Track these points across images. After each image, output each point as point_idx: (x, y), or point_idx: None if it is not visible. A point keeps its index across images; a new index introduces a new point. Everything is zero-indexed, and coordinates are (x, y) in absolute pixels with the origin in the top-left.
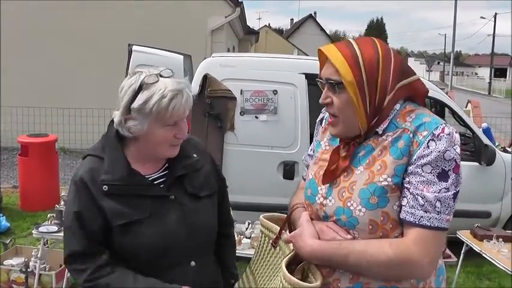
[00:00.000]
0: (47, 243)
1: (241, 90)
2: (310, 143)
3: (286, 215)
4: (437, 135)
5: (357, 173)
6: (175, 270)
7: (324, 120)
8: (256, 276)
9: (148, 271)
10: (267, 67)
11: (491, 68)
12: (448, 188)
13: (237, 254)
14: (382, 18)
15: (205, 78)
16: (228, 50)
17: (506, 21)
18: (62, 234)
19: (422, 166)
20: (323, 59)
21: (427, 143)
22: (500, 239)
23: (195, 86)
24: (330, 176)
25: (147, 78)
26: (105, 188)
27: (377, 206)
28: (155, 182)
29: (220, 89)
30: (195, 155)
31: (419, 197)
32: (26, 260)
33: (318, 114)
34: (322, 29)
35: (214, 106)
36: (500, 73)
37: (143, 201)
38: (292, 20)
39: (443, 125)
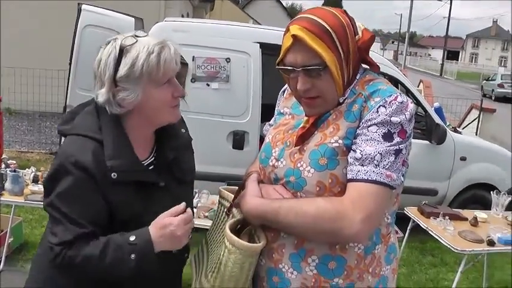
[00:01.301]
0: None
1: (194, 56)
2: (262, 113)
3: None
4: (389, 102)
5: (311, 136)
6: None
7: (286, 91)
8: (209, 245)
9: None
10: (221, 34)
11: (445, 50)
12: (390, 146)
13: None
14: None
15: None
16: (182, 17)
17: (461, 4)
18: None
19: (368, 127)
20: (288, 45)
21: (377, 108)
22: (447, 217)
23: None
24: (302, 138)
25: (125, 40)
26: (114, 175)
27: (326, 168)
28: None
29: None
30: (182, 130)
31: (358, 151)
32: None
33: (272, 83)
34: (278, 1)
35: None
36: (452, 55)
37: (142, 190)
38: None
39: (398, 94)
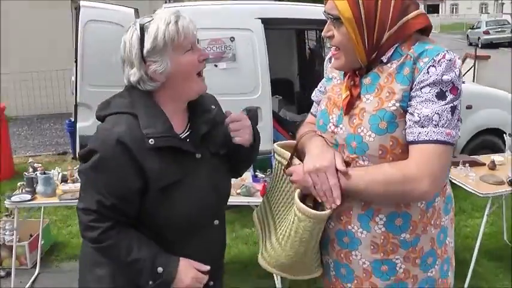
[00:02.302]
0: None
1: (198, 39)
2: (274, 88)
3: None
4: (438, 61)
5: (366, 101)
6: (201, 231)
7: (332, 58)
8: (271, 204)
9: (175, 235)
10: (222, 14)
11: (425, 5)
12: (445, 104)
13: None
14: None
15: None
16: (166, 2)
17: None
18: (35, 202)
19: (421, 88)
20: None
21: (427, 69)
22: (467, 164)
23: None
24: (350, 105)
25: (143, 19)
26: (151, 141)
27: (386, 131)
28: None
29: None
30: (213, 106)
31: (416, 114)
32: None
33: (277, 58)
34: None
35: None
36: (433, 9)
37: (180, 159)
38: None
39: (445, 51)
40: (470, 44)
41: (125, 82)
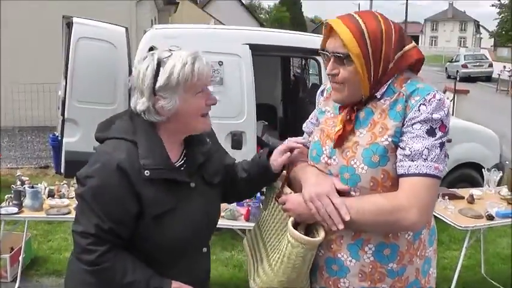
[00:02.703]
0: None
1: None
2: (258, 113)
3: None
4: (429, 100)
5: (359, 135)
6: (190, 257)
7: (325, 91)
8: (262, 231)
9: (165, 258)
10: (211, 38)
11: None
12: (435, 140)
13: None
14: None
15: (151, 50)
16: (152, 22)
17: None
18: (22, 215)
19: (412, 125)
20: (327, 32)
21: (419, 107)
22: (446, 197)
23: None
24: (341, 139)
25: (161, 53)
26: (147, 173)
27: (378, 165)
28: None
29: None
30: (208, 139)
31: (407, 148)
32: None
33: (261, 83)
34: None
35: None
36: (413, 40)
37: (174, 188)
38: None
39: (435, 91)
40: (449, 77)
41: (132, 107)
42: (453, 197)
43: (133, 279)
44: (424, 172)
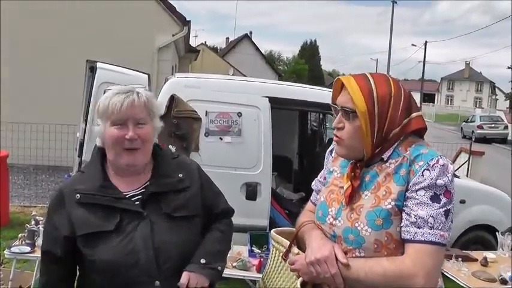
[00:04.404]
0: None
1: (206, 111)
2: (273, 165)
3: (294, 229)
4: (432, 166)
5: (364, 197)
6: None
7: (334, 151)
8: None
9: (107, 286)
10: (231, 89)
11: (421, 93)
12: (439, 207)
13: None
14: (315, 41)
15: (172, 98)
16: (172, 68)
17: (435, 48)
18: (34, 254)
19: (416, 191)
20: (338, 87)
21: (422, 172)
22: (459, 259)
23: (161, 107)
24: (352, 196)
25: (114, 85)
26: (77, 196)
27: (382, 227)
28: (132, 199)
29: (187, 110)
30: (180, 175)
31: (413, 215)
32: None
33: (278, 135)
34: (257, 49)
35: (180, 127)
36: (428, 98)
37: (112, 214)
38: (227, 38)
39: (439, 157)
40: (464, 137)
41: None
42: (467, 259)
43: None
44: (430, 240)
